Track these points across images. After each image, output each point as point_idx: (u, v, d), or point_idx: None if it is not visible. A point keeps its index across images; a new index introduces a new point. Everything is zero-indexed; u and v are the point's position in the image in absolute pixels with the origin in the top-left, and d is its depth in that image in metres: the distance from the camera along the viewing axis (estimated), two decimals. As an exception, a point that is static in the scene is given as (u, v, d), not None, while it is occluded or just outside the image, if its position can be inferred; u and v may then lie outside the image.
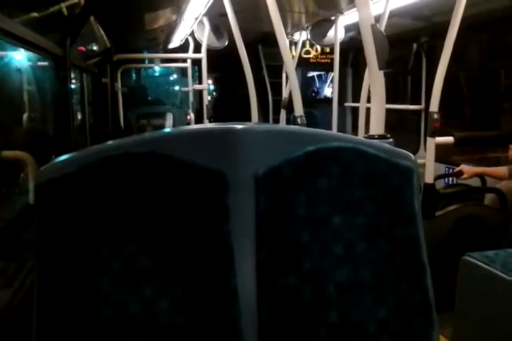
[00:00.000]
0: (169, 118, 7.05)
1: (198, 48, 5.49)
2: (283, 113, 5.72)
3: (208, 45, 5.18)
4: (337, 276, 1.29)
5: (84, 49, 4.29)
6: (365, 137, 1.98)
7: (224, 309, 1.23)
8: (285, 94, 5.59)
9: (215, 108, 5.44)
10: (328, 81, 7.21)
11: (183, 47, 5.86)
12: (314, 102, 7.00)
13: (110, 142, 1.28)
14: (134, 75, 7.28)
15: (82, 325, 1.16)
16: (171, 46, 5.96)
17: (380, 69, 1.87)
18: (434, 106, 2.77)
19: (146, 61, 6.56)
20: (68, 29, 2.68)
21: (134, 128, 6.51)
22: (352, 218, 1.32)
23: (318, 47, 6.11)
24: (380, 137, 1.98)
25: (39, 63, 3.20)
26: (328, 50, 6.32)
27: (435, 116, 2.75)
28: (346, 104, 6.65)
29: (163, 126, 6.98)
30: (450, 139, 2.96)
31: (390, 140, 1.96)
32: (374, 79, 1.94)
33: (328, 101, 5.26)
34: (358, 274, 1.31)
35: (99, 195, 1.19)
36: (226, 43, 5.24)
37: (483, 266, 1.88)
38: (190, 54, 5.76)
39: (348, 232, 1.31)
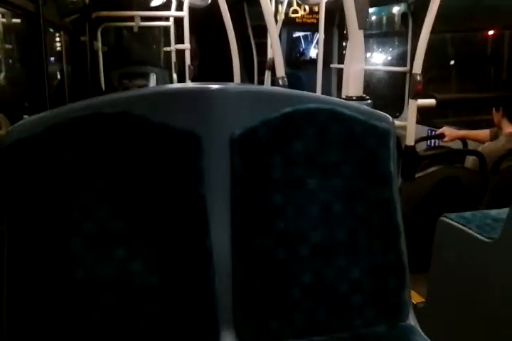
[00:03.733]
0: (152, 79, 6.93)
1: (180, 6, 5.36)
2: (268, 74, 5.64)
3: (191, 3, 5.06)
4: (312, 238, 1.30)
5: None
6: (343, 99, 1.96)
7: (198, 269, 1.24)
8: (270, 55, 5.50)
9: (199, 69, 5.35)
10: (314, 42, 7.09)
11: (166, 6, 5.71)
12: (300, 63, 6.90)
13: (81, 102, 1.25)
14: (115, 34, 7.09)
15: (55, 286, 1.16)
16: (153, 4, 5.80)
17: (360, 28, 1.84)
18: (418, 67, 2.73)
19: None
20: (41, -16, 2.58)
21: (117, 89, 6.38)
22: (327, 180, 1.32)
23: (307, 7, 5.98)
24: (358, 98, 1.96)
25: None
26: (316, 9, 6.19)
27: (418, 78, 2.73)
28: (332, 66, 6.57)
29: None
30: (432, 101, 2.94)
31: (369, 101, 1.94)
32: (353, 39, 1.91)
33: (315, 62, 5.18)
34: (333, 235, 1.32)
35: (70, 155, 1.17)
36: (209, 1, 5.11)
37: (459, 227, 1.91)
38: (173, 12, 5.62)
39: (323, 194, 1.32)
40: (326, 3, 4.41)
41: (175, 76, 5.92)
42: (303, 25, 6.91)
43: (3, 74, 3.57)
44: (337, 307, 1.32)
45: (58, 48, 4.22)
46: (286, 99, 1.33)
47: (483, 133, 3.45)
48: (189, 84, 2.79)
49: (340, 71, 6.35)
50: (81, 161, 1.17)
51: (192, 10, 5.13)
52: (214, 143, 1.25)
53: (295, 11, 5.96)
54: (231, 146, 1.26)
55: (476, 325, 1.88)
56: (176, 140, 1.23)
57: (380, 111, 1.39)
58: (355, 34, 1.88)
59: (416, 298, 2.17)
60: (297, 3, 5.88)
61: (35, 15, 2.41)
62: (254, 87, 1.98)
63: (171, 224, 1.23)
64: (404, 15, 5.16)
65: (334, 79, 6.68)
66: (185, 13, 5.10)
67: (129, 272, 1.20)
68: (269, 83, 5.55)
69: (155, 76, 6.92)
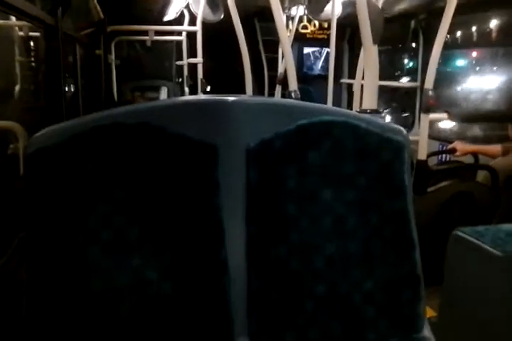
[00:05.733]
0: (164, 92, 6.99)
1: (193, 21, 5.42)
2: (278, 88, 5.68)
3: (204, 18, 5.12)
4: (326, 249, 1.31)
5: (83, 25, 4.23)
6: (357, 111, 1.98)
7: (214, 279, 1.24)
8: (281, 70, 5.55)
9: (210, 83, 5.39)
10: (323, 57, 7.13)
11: (179, 21, 5.78)
12: (310, 78, 6.94)
13: (101, 112, 1.27)
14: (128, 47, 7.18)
15: (72, 294, 1.17)
16: (166, 19, 5.87)
17: (374, 43, 1.86)
18: (430, 83, 2.76)
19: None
20: (60, -2, 2.63)
21: (128, 102, 6.45)
22: (342, 192, 1.33)
23: (316, 23, 6.03)
24: (373, 112, 1.98)
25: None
26: (326, 25, 6.24)
27: (430, 92, 2.75)
28: (342, 81, 6.60)
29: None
30: (444, 116, 2.95)
31: (382, 115, 1.96)
32: (368, 54, 1.93)
33: (324, 77, 5.21)
34: (347, 247, 1.32)
35: (89, 164, 1.19)
36: (222, 16, 5.17)
37: (472, 241, 1.90)
38: (186, 26, 5.68)
39: (337, 206, 1.32)
40: (337, 19, 4.44)
41: (187, 90, 5.98)
42: (313, 41, 6.95)
43: (18, 87, 3.63)
44: (351, 320, 1.32)
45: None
46: (302, 111, 1.35)
47: (495, 148, 3.45)
48: (202, 96, 2.82)
49: (350, 86, 6.39)
50: (100, 170, 1.19)
51: (203, 24, 5.19)
52: (230, 154, 1.26)
53: (305, 27, 6.00)
54: (247, 157, 1.27)
55: (490, 339, 1.86)
56: (193, 151, 1.25)
57: (394, 124, 1.40)
58: (370, 49, 1.90)
59: (429, 312, 2.15)
60: (307, 18, 5.93)
61: (54, 28, 2.46)
62: (270, 99, 2.00)
63: (187, 233, 1.24)
64: (415, 32, 5.20)
65: (344, 94, 6.71)
66: (198, 28, 5.15)
67: (144, 280, 1.21)
68: (280, 97, 5.58)
69: (166, 89, 6.99)
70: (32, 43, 3.51)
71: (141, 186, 1.22)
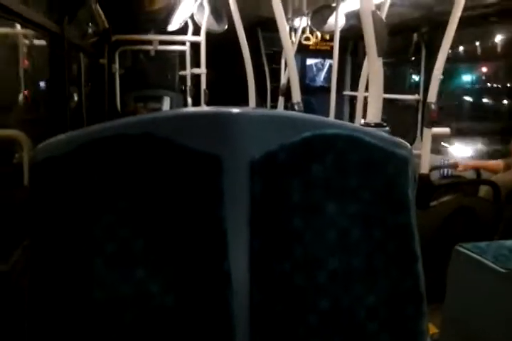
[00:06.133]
0: (166, 103, 7.01)
1: (197, 31, 5.44)
2: (281, 100, 5.69)
3: (208, 29, 5.13)
4: (329, 263, 1.29)
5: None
6: (361, 125, 1.97)
7: (216, 292, 1.23)
8: (283, 81, 5.55)
9: (212, 93, 5.40)
10: (325, 69, 7.16)
11: (182, 31, 5.81)
12: (312, 90, 6.96)
13: (106, 123, 1.27)
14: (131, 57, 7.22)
15: (74, 306, 1.16)
16: (170, 29, 5.91)
17: (378, 56, 1.86)
18: (432, 96, 2.76)
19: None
20: (66, 7, 2.65)
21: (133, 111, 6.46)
22: (346, 205, 1.32)
23: (319, 34, 6.06)
24: (377, 125, 1.97)
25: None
26: (328, 37, 6.27)
27: (433, 106, 2.75)
28: (345, 93, 6.63)
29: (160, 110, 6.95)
30: (447, 130, 2.95)
31: (387, 128, 1.95)
32: (372, 66, 1.93)
33: (326, 89, 5.22)
34: (350, 261, 1.31)
35: (94, 175, 1.18)
36: (226, 27, 5.19)
37: (474, 257, 1.89)
38: (189, 36, 5.70)
39: (341, 219, 1.31)
40: (340, 30, 4.47)
41: (189, 100, 5.98)
42: (316, 52, 6.99)
43: (21, 95, 3.64)
44: (353, 334, 1.30)
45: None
46: (306, 123, 1.34)
47: (496, 163, 3.46)
48: (205, 107, 2.83)
49: (352, 99, 6.41)
50: (105, 181, 1.19)
51: (207, 35, 5.20)
52: (234, 166, 1.26)
53: (307, 38, 6.03)
54: (251, 169, 1.27)
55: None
56: (197, 162, 1.24)
57: (398, 138, 1.40)
58: (374, 61, 1.90)
59: (430, 328, 2.14)
60: (310, 30, 5.96)
61: (59, 37, 2.47)
62: (274, 111, 2.00)
63: (191, 245, 1.23)
64: (417, 45, 5.23)
65: (346, 106, 6.73)
66: (201, 38, 5.17)
67: (147, 292, 1.19)
68: (282, 109, 5.59)
69: (169, 99, 7.00)
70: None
71: (146, 197, 1.21)
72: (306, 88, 6.77)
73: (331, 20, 4.79)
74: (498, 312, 1.82)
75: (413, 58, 5.48)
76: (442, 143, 4.57)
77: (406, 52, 5.55)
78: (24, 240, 1.99)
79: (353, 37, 6.20)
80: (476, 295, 1.94)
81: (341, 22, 4.77)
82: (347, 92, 6.64)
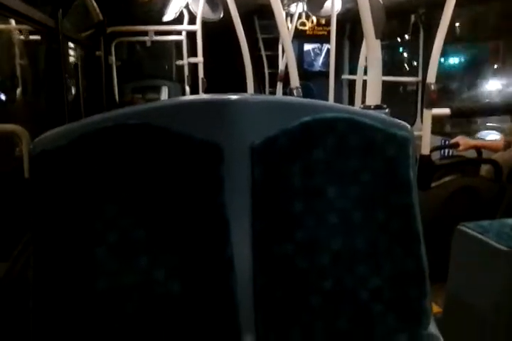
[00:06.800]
0: (165, 92, 6.99)
1: (192, 21, 5.42)
2: (279, 85, 5.68)
3: (203, 17, 5.11)
4: (331, 245, 1.31)
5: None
6: (361, 108, 1.97)
7: (220, 277, 1.25)
8: (281, 67, 5.53)
9: (210, 82, 5.39)
10: (323, 53, 7.12)
11: (178, 20, 5.78)
12: (310, 75, 6.93)
13: (104, 113, 1.27)
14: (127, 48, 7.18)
15: (78, 295, 1.18)
16: (165, 19, 5.88)
17: (376, 38, 1.86)
18: (432, 77, 2.75)
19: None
20: (60, 0, 2.64)
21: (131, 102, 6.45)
22: (347, 188, 1.33)
23: (314, 19, 6.00)
24: (376, 107, 1.97)
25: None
26: (323, 21, 6.22)
27: (432, 87, 2.74)
28: (343, 77, 6.60)
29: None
30: (446, 111, 2.95)
31: (386, 110, 1.95)
32: (371, 49, 1.93)
33: (325, 74, 5.20)
34: (353, 243, 1.32)
35: (94, 165, 1.19)
36: (221, 15, 5.16)
37: (476, 236, 1.90)
38: (185, 26, 5.68)
39: (343, 202, 1.32)
40: (337, 15, 4.43)
41: (188, 89, 5.97)
42: (313, 38, 6.95)
43: (19, 89, 3.64)
44: (358, 316, 1.32)
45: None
46: (305, 108, 1.35)
47: (497, 142, 3.45)
48: (203, 95, 2.83)
49: (351, 83, 6.38)
50: (105, 171, 1.19)
51: (203, 23, 5.18)
52: (234, 152, 1.26)
53: (303, 24, 5.99)
54: (251, 155, 1.27)
55: (495, 335, 1.86)
56: (197, 150, 1.25)
57: (398, 120, 1.40)
58: (373, 44, 1.90)
59: (434, 308, 2.16)
60: (306, 15, 5.91)
61: (54, 30, 2.46)
62: (273, 96, 2.01)
63: (193, 232, 1.24)
64: (415, 26, 5.19)
65: (345, 91, 6.71)
66: (197, 27, 5.16)
67: (151, 280, 1.21)
68: (281, 94, 5.58)
69: (167, 89, 6.99)
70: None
71: (147, 186, 1.22)
72: (305, 73, 6.74)
73: (327, 4, 4.75)
74: (501, 290, 1.83)
75: (411, 39, 5.44)
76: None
77: (404, 34, 5.51)
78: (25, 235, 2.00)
79: (350, 20, 6.16)
80: (478, 273, 1.95)
81: (338, 6, 4.73)
82: (345, 76, 6.61)
